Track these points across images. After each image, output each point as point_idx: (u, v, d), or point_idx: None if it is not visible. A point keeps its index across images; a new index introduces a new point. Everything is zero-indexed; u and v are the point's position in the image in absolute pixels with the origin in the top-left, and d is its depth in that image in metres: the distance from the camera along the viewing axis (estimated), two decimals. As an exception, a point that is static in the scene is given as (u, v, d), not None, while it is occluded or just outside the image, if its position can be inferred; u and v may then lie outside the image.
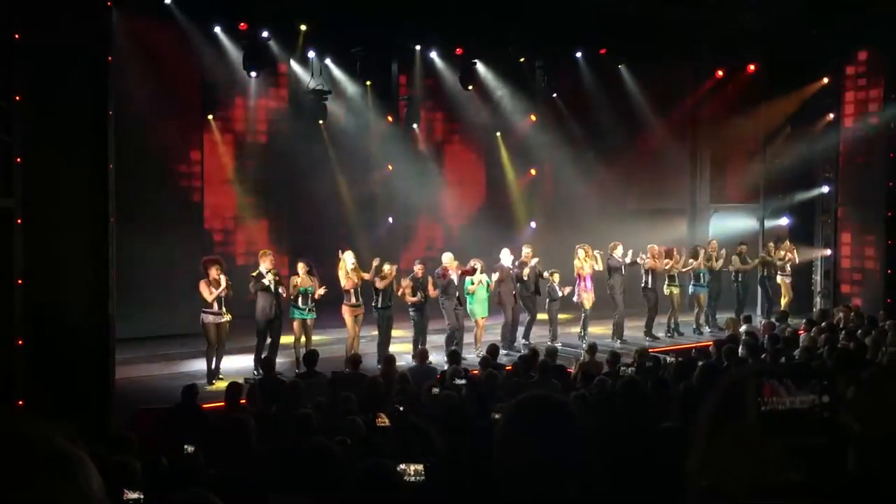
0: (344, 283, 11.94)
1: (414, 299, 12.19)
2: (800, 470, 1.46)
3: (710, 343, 11.19)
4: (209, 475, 4.76)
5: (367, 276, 11.97)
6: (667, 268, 14.48)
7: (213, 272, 11.06)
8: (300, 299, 11.70)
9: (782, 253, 15.74)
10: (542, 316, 13.80)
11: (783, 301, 15.71)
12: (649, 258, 14.21)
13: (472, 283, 12.66)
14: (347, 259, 12.00)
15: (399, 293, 12.25)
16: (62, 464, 1.16)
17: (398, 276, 12.33)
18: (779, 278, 15.82)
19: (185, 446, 5.89)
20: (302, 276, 11.74)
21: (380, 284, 12.01)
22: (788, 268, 15.80)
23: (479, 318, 12.84)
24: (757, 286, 15.96)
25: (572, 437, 1.91)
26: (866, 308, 14.36)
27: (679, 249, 15.07)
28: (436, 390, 8.09)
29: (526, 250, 13.56)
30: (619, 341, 13.64)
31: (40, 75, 8.36)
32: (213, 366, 11.08)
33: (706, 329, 14.87)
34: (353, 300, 12.00)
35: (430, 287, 12.42)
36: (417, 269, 12.44)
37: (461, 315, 12.67)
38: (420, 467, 4.77)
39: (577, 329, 13.96)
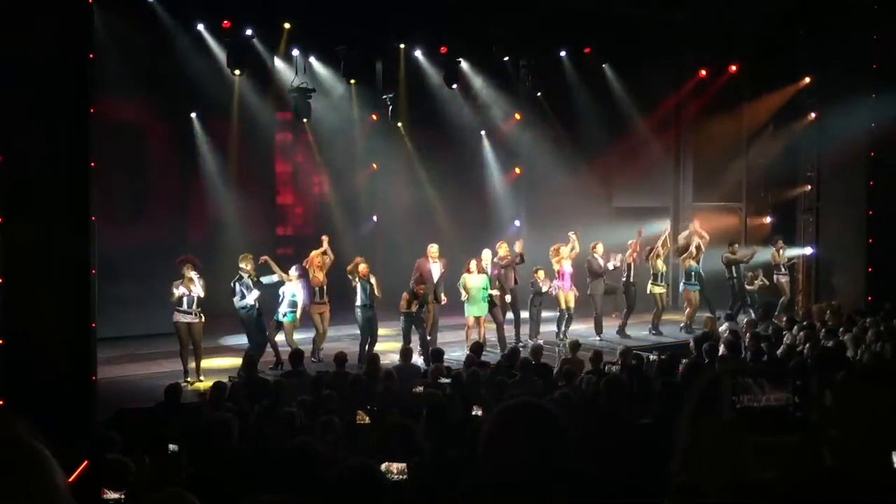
0: (312, 279, 12.26)
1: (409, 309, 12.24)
2: (774, 467, 1.47)
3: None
4: (188, 474, 4.75)
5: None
6: (647, 258, 14.55)
7: (186, 271, 11.03)
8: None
9: (783, 253, 15.84)
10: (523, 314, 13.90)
11: (781, 299, 15.82)
12: (628, 254, 14.32)
13: (462, 285, 12.71)
14: (317, 257, 12.33)
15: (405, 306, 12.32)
16: (28, 459, 1.16)
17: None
18: (775, 277, 15.91)
19: (169, 445, 5.86)
20: (294, 281, 11.91)
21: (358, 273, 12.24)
22: (783, 267, 15.89)
23: (473, 317, 12.86)
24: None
25: (558, 440, 1.91)
26: (847, 306, 14.47)
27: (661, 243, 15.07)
28: (419, 389, 8.11)
29: (502, 251, 13.56)
30: (599, 339, 13.71)
31: (21, 73, 8.30)
32: (194, 366, 11.07)
33: (694, 328, 14.91)
34: (318, 297, 12.33)
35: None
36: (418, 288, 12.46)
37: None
38: (404, 466, 4.77)
39: (559, 328, 14.00)
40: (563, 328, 13.85)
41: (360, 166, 16.96)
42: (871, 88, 15.44)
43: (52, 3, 8.54)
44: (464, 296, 12.76)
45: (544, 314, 14.14)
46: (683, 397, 1.66)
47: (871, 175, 15.44)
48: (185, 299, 10.96)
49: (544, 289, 13.65)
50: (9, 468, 1.15)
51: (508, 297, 13.44)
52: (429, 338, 12.47)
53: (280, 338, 12.04)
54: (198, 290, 10.98)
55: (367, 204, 17.11)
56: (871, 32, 15.30)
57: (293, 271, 12.07)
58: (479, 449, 1.97)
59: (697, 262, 14.97)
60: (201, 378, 10.84)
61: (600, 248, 14.16)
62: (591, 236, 15.40)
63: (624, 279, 14.44)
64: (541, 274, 13.64)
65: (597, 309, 14.14)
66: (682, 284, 15.12)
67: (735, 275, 15.51)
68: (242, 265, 11.61)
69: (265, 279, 11.79)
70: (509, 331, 13.53)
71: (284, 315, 11.93)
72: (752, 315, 14.47)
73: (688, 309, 15.01)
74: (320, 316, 12.36)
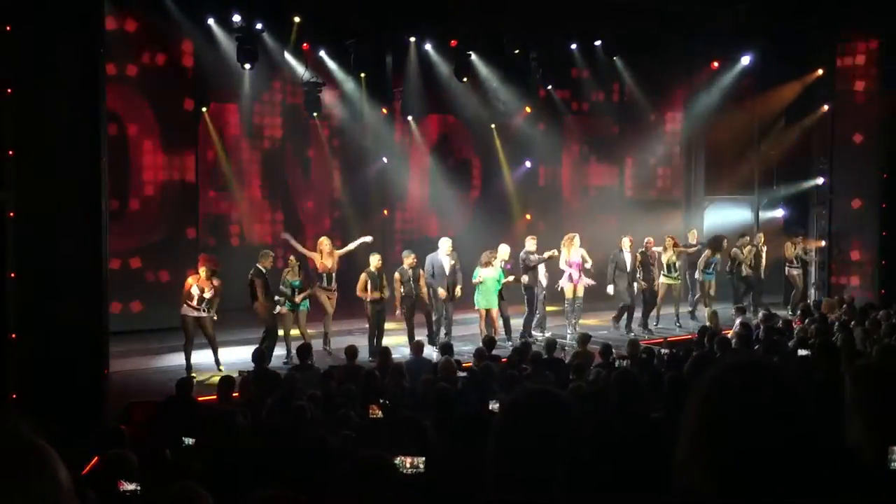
0: (319, 265, 12.31)
1: (374, 295, 12.12)
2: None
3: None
4: (198, 468, 4.76)
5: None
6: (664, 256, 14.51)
7: (202, 272, 11.11)
8: (290, 291, 11.87)
9: (799, 248, 15.78)
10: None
11: (793, 293, 15.77)
12: (648, 253, 14.25)
13: (477, 276, 12.72)
14: (325, 243, 12.37)
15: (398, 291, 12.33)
16: (31, 455, 1.16)
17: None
18: (786, 270, 15.86)
19: (184, 439, 5.86)
20: (290, 269, 11.92)
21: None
22: (796, 260, 15.82)
23: (484, 309, 12.84)
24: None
25: (567, 430, 1.90)
26: (861, 299, 14.39)
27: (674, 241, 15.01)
28: (429, 378, 8.10)
29: (531, 244, 13.50)
30: (631, 333, 13.67)
31: (32, 68, 8.32)
32: (214, 359, 11.18)
33: (699, 315, 14.87)
34: (325, 283, 12.36)
35: (422, 281, 12.50)
36: (408, 260, 12.42)
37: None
38: (417, 460, 4.77)
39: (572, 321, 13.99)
40: (573, 320, 13.84)
41: (371, 160, 16.95)
42: (884, 80, 15.34)
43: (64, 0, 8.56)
44: (478, 279, 12.73)
45: (549, 308, 14.15)
46: (688, 390, 1.63)
47: (885, 167, 15.34)
48: (195, 296, 11.03)
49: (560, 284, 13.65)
50: (11, 466, 1.14)
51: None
52: (444, 333, 12.46)
53: (294, 331, 12.03)
54: (207, 293, 11.05)
55: (377, 198, 17.11)
56: (882, 23, 15.20)
57: (292, 259, 12.14)
58: (491, 439, 1.95)
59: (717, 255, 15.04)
60: (221, 368, 10.91)
61: (626, 242, 14.09)
62: (602, 230, 15.38)
63: (639, 276, 14.34)
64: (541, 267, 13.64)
65: (623, 301, 14.12)
66: (698, 273, 15.12)
67: (735, 269, 15.45)
68: (261, 263, 11.63)
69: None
70: (516, 326, 13.47)
71: (294, 305, 11.93)
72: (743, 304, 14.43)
73: (698, 294, 15.04)
74: (328, 300, 12.38)
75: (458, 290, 12.87)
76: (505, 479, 1.88)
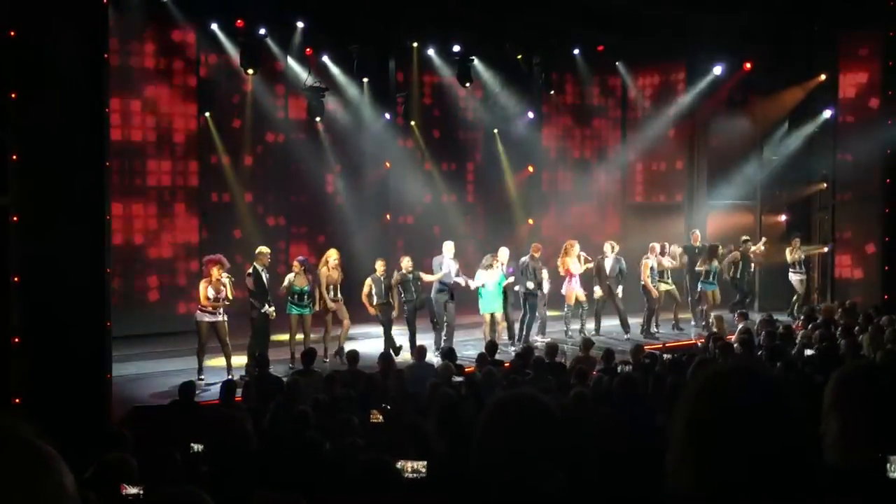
0: (327, 278, 12.18)
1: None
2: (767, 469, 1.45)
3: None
4: (203, 472, 4.76)
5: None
6: (661, 268, 14.42)
7: (216, 272, 11.03)
8: (296, 296, 11.78)
9: (798, 251, 15.75)
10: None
11: (794, 298, 15.74)
12: (644, 266, 14.19)
13: (479, 280, 12.72)
14: (333, 256, 12.26)
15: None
16: (36, 459, 1.16)
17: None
18: (789, 275, 15.83)
19: (192, 444, 5.84)
20: (298, 274, 11.80)
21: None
22: (797, 265, 15.78)
23: (489, 314, 12.83)
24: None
25: (550, 434, 1.89)
26: (864, 305, 14.35)
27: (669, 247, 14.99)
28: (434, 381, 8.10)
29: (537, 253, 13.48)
30: (626, 337, 13.66)
31: (36, 72, 8.34)
32: (226, 364, 11.06)
33: (703, 324, 14.83)
34: (332, 295, 12.24)
35: (424, 276, 12.52)
36: (405, 264, 12.43)
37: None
38: (419, 464, 4.77)
39: (574, 326, 13.98)
40: (570, 326, 13.84)
41: (373, 165, 16.97)
42: (887, 86, 15.34)
43: (68, 4, 8.58)
44: (479, 281, 12.71)
45: (550, 312, 14.15)
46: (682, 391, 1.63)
47: (888, 173, 15.33)
48: (211, 299, 10.96)
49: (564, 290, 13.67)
50: (15, 469, 1.15)
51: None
52: (444, 337, 12.45)
53: (299, 335, 12.01)
54: (227, 292, 10.99)
55: (379, 203, 17.12)
56: (886, 30, 15.20)
57: (296, 264, 12.06)
58: (474, 443, 1.95)
59: (718, 263, 14.96)
60: (231, 376, 10.86)
61: (608, 247, 14.08)
62: (604, 234, 15.37)
63: (641, 282, 14.31)
64: (544, 273, 13.61)
65: (594, 306, 14.14)
66: (699, 284, 14.98)
67: (738, 275, 15.40)
68: (258, 261, 11.58)
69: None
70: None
71: (301, 308, 11.88)
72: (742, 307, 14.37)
73: (705, 307, 14.94)
74: (332, 314, 12.29)
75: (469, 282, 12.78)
76: (489, 481, 1.88)
